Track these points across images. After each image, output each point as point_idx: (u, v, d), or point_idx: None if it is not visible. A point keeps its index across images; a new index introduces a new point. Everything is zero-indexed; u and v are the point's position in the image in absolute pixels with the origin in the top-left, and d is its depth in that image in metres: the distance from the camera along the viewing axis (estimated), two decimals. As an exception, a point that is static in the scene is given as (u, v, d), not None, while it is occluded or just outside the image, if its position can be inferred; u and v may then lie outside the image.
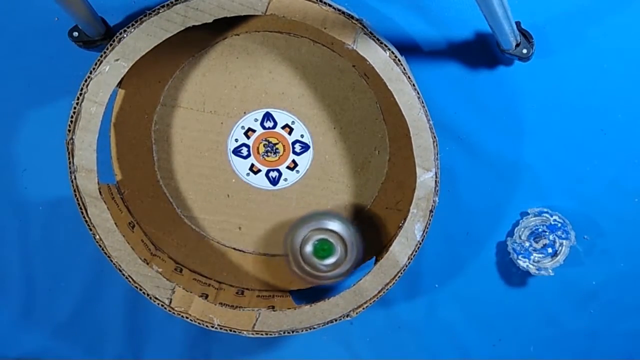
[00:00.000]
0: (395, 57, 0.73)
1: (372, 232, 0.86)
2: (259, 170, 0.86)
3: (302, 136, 0.85)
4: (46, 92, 0.87)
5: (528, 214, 0.87)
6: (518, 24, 0.82)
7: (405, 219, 0.76)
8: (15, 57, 0.87)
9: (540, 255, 0.86)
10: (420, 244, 0.77)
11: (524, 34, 0.83)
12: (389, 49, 0.72)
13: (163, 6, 0.72)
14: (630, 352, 0.90)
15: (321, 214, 0.84)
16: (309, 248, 0.81)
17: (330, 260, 0.81)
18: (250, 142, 0.85)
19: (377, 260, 0.80)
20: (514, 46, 0.82)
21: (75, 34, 0.83)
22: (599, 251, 0.88)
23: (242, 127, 0.85)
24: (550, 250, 0.86)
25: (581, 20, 0.85)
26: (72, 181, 0.75)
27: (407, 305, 0.91)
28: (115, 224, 0.76)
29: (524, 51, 0.83)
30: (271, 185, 0.87)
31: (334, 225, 0.81)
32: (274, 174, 0.86)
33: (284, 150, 0.86)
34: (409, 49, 0.86)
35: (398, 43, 0.85)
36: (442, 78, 0.86)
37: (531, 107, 0.86)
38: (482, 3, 0.67)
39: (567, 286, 0.89)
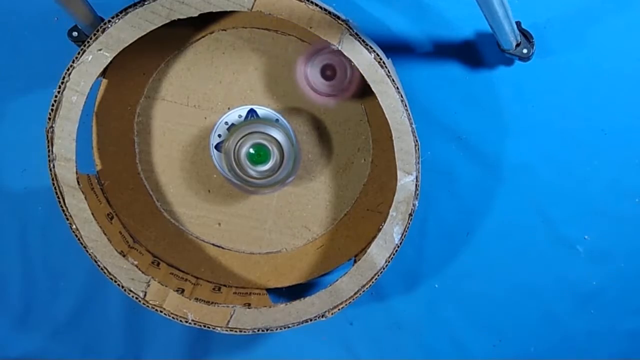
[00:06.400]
0: (380, 59, 0.72)
1: (352, 233, 0.86)
2: None
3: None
4: (46, 93, 0.87)
5: None
6: (518, 24, 0.82)
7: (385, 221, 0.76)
8: (15, 57, 0.87)
9: None
10: (398, 247, 0.76)
11: (524, 34, 0.83)
12: (374, 51, 0.72)
13: None
14: (630, 352, 0.90)
15: (264, 119, 0.82)
16: (244, 150, 0.79)
17: (264, 167, 0.79)
18: None
19: (355, 262, 0.80)
20: (514, 46, 0.82)
21: (75, 34, 0.83)
22: (599, 251, 0.88)
23: (226, 123, 0.85)
24: None
25: (581, 20, 0.85)
26: (50, 170, 0.74)
27: (407, 305, 0.91)
28: (93, 214, 0.75)
29: (524, 51, 0.83)
30: None
31: (275, 132, 0.79)
32: None
33: None
34: (409, 49, 0.86)
35: (398, 43, 0.85)
36: (442, 78, 0.86)
37: (531, 107, 0.86)
38: (482, 3, 0.67)
39: (567, 286, 0.89)
